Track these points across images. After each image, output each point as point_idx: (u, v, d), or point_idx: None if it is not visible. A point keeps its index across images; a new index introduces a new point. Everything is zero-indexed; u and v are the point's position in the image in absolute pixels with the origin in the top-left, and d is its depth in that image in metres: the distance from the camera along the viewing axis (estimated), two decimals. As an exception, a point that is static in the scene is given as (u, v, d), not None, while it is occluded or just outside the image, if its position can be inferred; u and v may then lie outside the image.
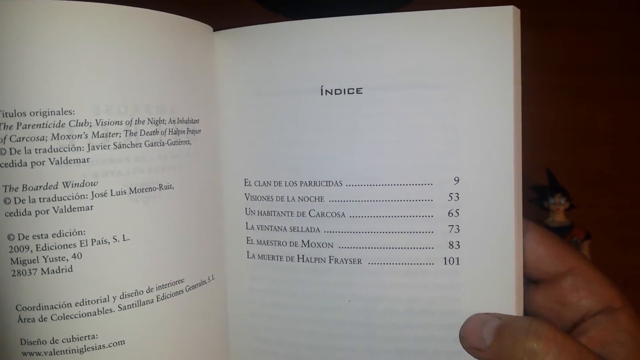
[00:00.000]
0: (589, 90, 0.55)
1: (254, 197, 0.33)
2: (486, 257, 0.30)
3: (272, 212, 0.32)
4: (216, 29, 0.33)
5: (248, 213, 0.33)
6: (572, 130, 0.55)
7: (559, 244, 0.31)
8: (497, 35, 0.29)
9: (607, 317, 0.29)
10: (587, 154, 0.55)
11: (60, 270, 0.27)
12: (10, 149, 0.26)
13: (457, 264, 0.30)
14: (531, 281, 0.32)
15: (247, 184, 0.33)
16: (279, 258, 0.32)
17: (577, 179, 0.55)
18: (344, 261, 0.31)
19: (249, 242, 0.33)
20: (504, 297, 0.29)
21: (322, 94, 0.31)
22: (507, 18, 0.29)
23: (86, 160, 0.27)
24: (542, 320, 0.28)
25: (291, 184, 0.32)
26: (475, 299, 0.30)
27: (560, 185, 0.54)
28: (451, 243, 0.30)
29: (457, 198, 0.30)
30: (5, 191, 0.26)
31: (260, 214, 0.33)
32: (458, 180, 0.30)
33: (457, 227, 0.30)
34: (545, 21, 0.54)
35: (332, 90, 0.31)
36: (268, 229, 0.32)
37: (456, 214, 0.30)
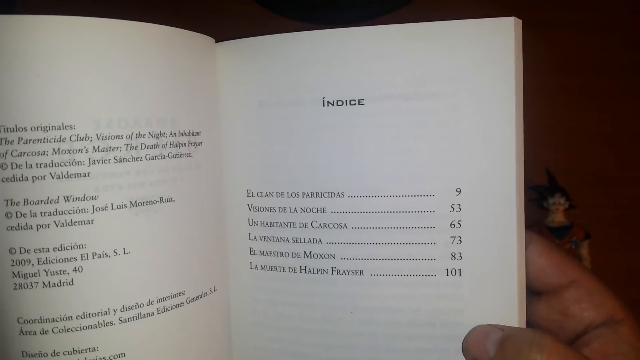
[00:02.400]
0: (589, 90, 0.55)
1: (257, 208, 0.32)
2: (489, 269, 0.30)
3: (275, 223, 0.32)
4: (218, 38, 0.32)
5: (251, 224, 0.33)
6: (572, 130, 0.55)
7: (560, 256, 0.31)
8: (499, 47, 0.29)
9: (610, 329, 0.29)
10: (587, 154, 0.55)
11: (62, 284, 0.27)
12: (12, 163, 0.26)
13: (460, 275, 0.30)
14: (533, 292, 0.32)
15: (249, 195, 0.33)
16: (281, 269, 0.32)
17: (577, 179, 0.55)
18: (346, 272, 0.31)
19: (251, 253, 0.33)
20: (507, 309, 0.29)
21: (323, 105, 0.31)
22: (508, 29, 0.28)
23: (87, 175, 0.27)
24: (545, 333, 0.27)
25: (293, 195, 0.31)
26: (478, 310, 0.30)
27: (559, 185, 0.54)
28: (453, 254, 0.30)
29: (459, 209, 0.30)
30: (7, 205, 0.26)
31: (263, 225, 0.32)
32: (460, 192, 0.30)
33: (459, 238, 0.30)
34: (544, 22, 0.54)
35: (333, 101, 0.31)
36: (271, 240, 0.32)
37: (458, 225, 0.30)
